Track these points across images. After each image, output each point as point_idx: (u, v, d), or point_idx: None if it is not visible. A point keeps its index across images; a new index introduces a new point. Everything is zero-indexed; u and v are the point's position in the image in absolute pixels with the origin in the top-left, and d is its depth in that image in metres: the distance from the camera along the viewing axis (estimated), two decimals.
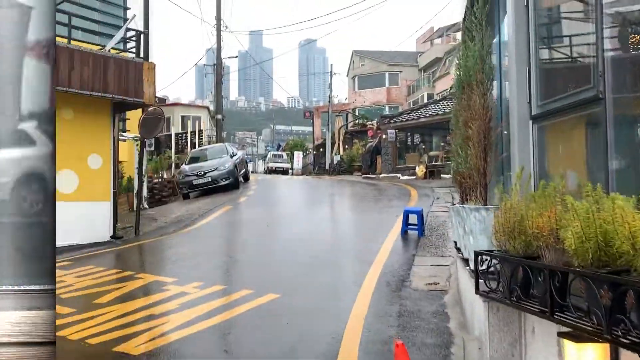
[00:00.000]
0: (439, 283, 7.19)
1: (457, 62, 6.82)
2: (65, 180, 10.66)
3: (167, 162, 23.48)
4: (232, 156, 19.12)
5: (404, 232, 10.07)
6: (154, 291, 7.07)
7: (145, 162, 17.96)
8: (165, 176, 22.16)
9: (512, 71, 3.61)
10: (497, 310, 3.50)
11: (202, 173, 17.87)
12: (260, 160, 78.85)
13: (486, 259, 3.51)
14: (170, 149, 28.17)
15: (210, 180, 17.84)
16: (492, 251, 3.48)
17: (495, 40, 5.34)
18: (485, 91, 4.21)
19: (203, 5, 32.22)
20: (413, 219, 10.44)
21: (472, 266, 4.30)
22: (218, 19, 31.03)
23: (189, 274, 7.87)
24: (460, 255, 5.90)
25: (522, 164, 3.55)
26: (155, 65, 11.53)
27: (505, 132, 4.93)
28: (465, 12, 6.36)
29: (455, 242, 7.38)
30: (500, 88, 5.21)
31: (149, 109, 11.78)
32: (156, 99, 34.92)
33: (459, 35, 50.71)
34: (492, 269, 3.54)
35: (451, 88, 24.92)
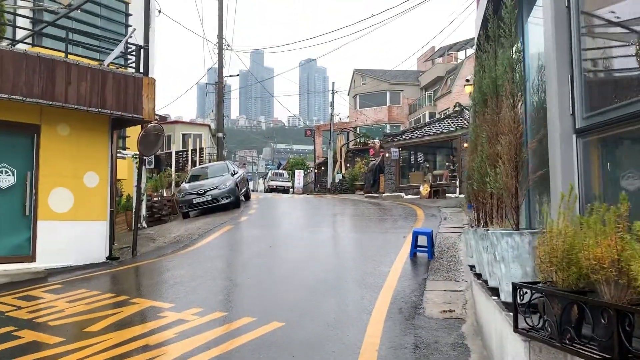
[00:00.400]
0: (454, 310, 6.72)
1: (474, 76, 6.45)
2: (60, 199, 10.24)
3: (167, 180, 23.09)
4: (233, 174, 18.73)
5: (413, 255, 9.63)
6: (150, 318, 6.60)
7: (144, 180, 17.58)
8: (165, 194, 21.73)
9: (552, 79, 3.22)
10: (539, 351, 3.05)
11: (203, 191, 17.46)
12: (261, 179, 78.65)
13: (526, 292, 3.08)
14: (171, 167, 27.84)
15: (210, 199, 17.42)
16: (534, 283, 3.05)
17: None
18: (516, 103, 3.82)
19: (205, 24, 32.16)
20: (422, 240, 10.00)
21: (503, 297, 3.86)
22: (220, 36, 30.92)
23: (188, 299, 7.41)
24: (482, 282, 5.46)
25: (564, 183, 3.13)
26: (155, 80, 11.20)
27: (534, 148, 4.54)
28: (483, 22, 6.01)
29: (471, 267, 6.95)
30: (526, 100, 4.83)
31: (149, 125, 11.42)
32: (157, 116, 34.70)
33: (460, 54, 50.81)
34: (524, 300, 3.11)
35: (455, 107, 24.70)
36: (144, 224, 17.04)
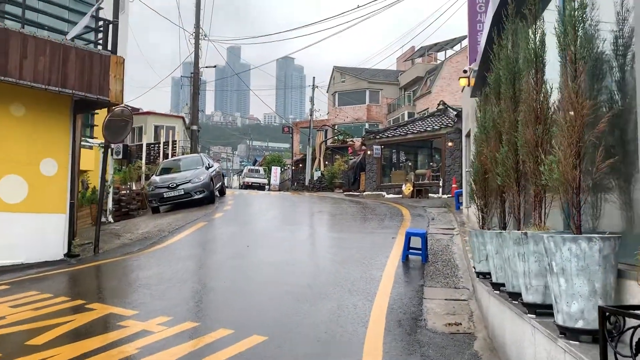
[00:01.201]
0: (461, 324, 5.91)
1: (494, 57, 5.61)
2: (11, 188, 9.09)
3: (137, 173, 21.84)
4: (207, 168, 17.65)
5: (405, 257, 8.80)
6: (109, 328, 5.60)
7: (111, 171, 16.36)
8: (134, 188, 20.47)
9: None
10: None
11: (175, 185, 16.34)
12: (236, 176, 77.38)
13: (617, 320, 2.24)
14: (141, 159, 26.52)
15: (183, 193, 16.32)
16: (636, 307, 2.20)
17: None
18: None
19: (183, 17, 30.88)
20: (415, 242, 9.19)
21: (560, 320, 3.00)
22: (197, 25, 29.72)
23: (154, 305, 6.42)
24: (504, 294, 4.63)
25: None
26: (124, 60, 10.12)
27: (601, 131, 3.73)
28: None
29: (480, 274, 6.13)
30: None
31: (116, 109, 10.33)
32: (129, 107, 33.25)
33: (440, 55, 50.49)
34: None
35: (439, 105, 24.07)
36: (110, 219, 15.85)
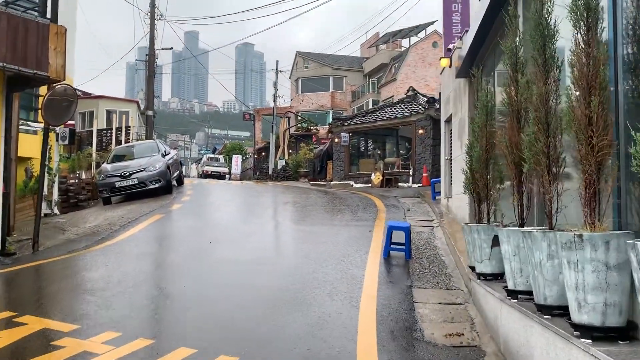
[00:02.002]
0: (463, 334, 5.10)
1: (511, 18, 4.75)
2: None
3: (87, 161, 20.25)
4: (164, 155, 16.36)
5: (387, 253, 7.97)
6: (40, 349, 4.53)
7: (56, 158, 14.92)
8: (84, 177, 18.96)
9: None
10: None
11: (128, 174, 15.01)
12: (194, 164, 75.30)
13: None
14: (92, 145, 24.80)
15: (137, 182, 15.01)
16: None
17: None
18: None
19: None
20: (397, 236, 8.38)
21: None
22: (152, 4, 28.00)
23: (100, 317, 5.35)
24: (527, 304, 3.82)
25: None
26: (66, 30, 8.83)
27: None
28: None
29: (481, 275, 5.31)
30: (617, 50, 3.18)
31: (57, 87, 9.03)
32: (79, 92, 31.03)
33: (404, 42, 49.93)
34: None
35: (409, 91, 23.35)
36: (56, 211, 14.44)
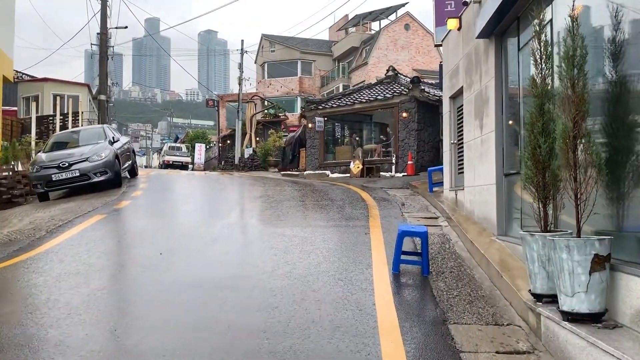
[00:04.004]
0: None
1: None
2: None
3: (25, 151, 17.57)
4: (112, 142, 13.95)
5: (398, 267, 6.00)
6: None
7: None
8: (20, 168, 16.33)
9: None
10: None
11: (67, 165, 12.57)
12: (156, 154, 72.29)
13: None
14: (39, 134, 22.02)
15: (78, 175, 12.59)
16: None
17: None
18: None
19: None
20: (408, 244, 6.42)
21: None
22: None
23: None
24: None
25: None
26: None
27: None
28: None
29: (566, 313, 3.36)
30: None
31: None
32: (24, 75, 27.76)
33: (374, 25, 47.96)
34: None
35: (389, 71, 21.35)
36: None
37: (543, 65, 4.46)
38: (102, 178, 12.82)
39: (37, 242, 7.58)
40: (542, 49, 4.47)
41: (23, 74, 31.66)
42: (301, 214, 9.74)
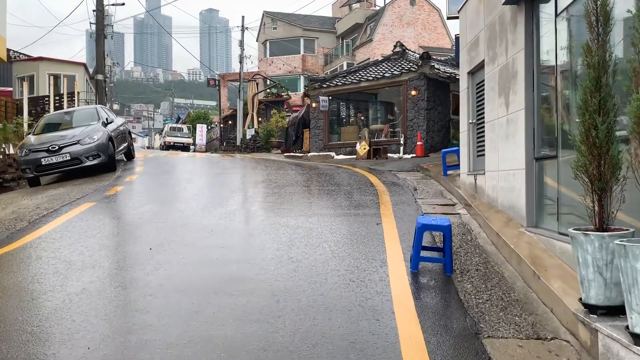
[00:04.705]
0: None
1: None
2: None
3: (18, 133, 16.85)
4: (106, 124, 13.20)
5: (417, 265, 5.30)
6: None
7: None
8: (11, 151, 15.65)
9: None
10: None
11: (57, 148, 11.86)
12: (157, 135, 71.65)
13: None
14: (35, 115, 21.26)
15: (69, 158, 11.89)
16: None
17: None
18: None
19: None
20: (427, 238, 5.71)
21: None
22: None
23: None
24: None
25: None
26: None
27: None
28: None
29: None
30: None
31: None
32: (21, 54, 26.72)
33: (379, 0, 46.61)
34: None
35: (396, 47, 20.40)
36: None
37: (600, 30, 3.68)
38: (94, 162, 12.11)
39: (17, 235, 6.89)
40: (598, 9, 3.69)
41: (20, 53, 30.77)
42: (306, 200, 9.02)
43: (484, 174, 7.73)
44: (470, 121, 8.64)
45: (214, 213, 7.86)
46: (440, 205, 8.39)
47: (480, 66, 7.93)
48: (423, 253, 5.42)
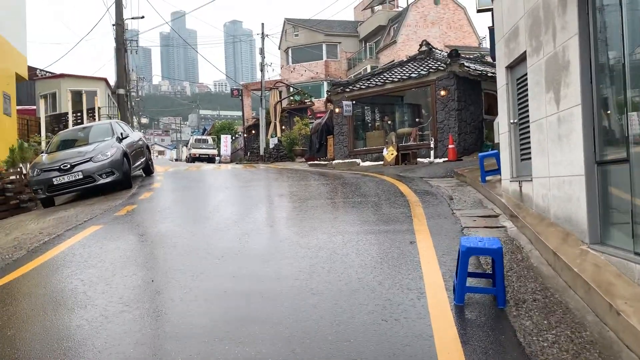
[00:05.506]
0: None
1: None
2: None
3: (35, 151, 16.53)
4: (121, 139, 12.66)
5: (461, 297, 4.41)
6: None
7: None
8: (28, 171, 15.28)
9: None
10: None
11: (68, 166, 11.36)
12: (185, 147, 72.09)
13: None
14: (55, 132, 21.07)
15: (81, 177, 11.37)
16: None
17: None
18: None
19: None
20: (470, 262, 4.81)
21: None
22: None
23: None
24: None
25: None
26: None
27: None
28: None
29: None
30: None
31: None
32: (43, 72, 26.67)
33: (401, 1, 45.65)
34: None
35: (422, 46, 19.48)
36: None
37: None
38: (108, 179, 11.56)
39: (10, 267, 6.26)
40: None
41: (45, 71, 30.89)
42: (329, 215, 8.19)
43: (531, 180, 6.78)
44: (512, 121, 7.69)
45: (227, 235, 7.10)
46: (482, 217, 7.45)
47: (521, 59, 7.00)
48: (469, 281, 4.54)
